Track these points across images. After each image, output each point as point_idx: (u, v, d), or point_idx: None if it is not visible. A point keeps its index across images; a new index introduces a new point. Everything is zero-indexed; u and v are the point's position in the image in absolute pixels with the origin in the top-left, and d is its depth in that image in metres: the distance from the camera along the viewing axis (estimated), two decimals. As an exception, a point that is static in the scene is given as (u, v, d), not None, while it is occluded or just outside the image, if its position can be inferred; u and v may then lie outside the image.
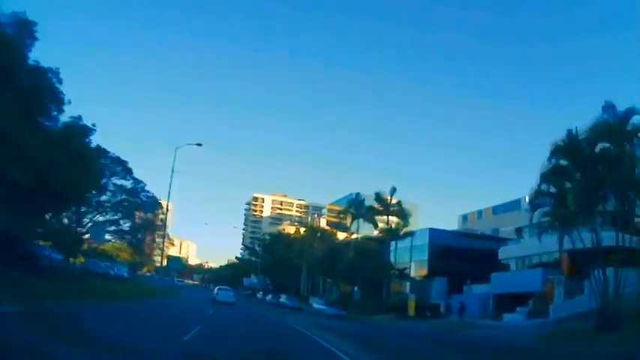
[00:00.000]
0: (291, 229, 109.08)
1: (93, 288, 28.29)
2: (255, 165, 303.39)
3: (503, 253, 47.59)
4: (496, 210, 65.06)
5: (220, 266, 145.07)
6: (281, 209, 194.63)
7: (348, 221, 63.30)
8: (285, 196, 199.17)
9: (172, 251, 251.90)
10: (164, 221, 59.48)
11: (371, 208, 59.84)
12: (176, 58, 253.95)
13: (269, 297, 68.78)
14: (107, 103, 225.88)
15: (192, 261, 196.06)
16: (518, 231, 47.32)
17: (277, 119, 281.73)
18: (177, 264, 72.66)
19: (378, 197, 57.59)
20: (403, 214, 56.50)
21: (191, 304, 37.01)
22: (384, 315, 46.95)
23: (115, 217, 46.91)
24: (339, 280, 63.66)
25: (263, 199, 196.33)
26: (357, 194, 65.88)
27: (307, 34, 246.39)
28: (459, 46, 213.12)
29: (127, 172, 43.75)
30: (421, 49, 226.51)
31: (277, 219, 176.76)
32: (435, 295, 51.47)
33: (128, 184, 45.55)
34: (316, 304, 55.72)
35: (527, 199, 36.46)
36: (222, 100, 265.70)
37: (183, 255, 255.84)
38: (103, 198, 43.56)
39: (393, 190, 57.16)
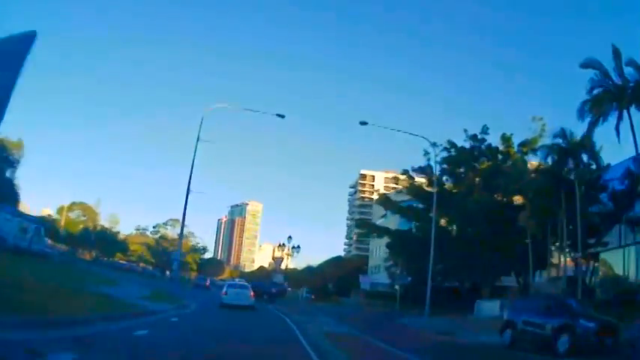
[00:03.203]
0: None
1: None
2: (354, 144, 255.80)
3: None
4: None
5: (324, 261, 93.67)
6: (396, 189, 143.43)
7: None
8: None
9: (261, 256, 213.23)
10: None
11: None
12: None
13: None
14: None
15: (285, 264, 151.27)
16: None
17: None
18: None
19: None
20: None
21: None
22: None
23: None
24: None
25: (373, 176, 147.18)
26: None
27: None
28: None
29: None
30: None
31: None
32: None
33: None
34: None
35: None
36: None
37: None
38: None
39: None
